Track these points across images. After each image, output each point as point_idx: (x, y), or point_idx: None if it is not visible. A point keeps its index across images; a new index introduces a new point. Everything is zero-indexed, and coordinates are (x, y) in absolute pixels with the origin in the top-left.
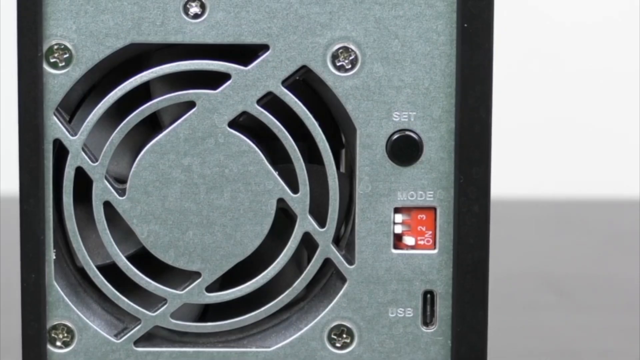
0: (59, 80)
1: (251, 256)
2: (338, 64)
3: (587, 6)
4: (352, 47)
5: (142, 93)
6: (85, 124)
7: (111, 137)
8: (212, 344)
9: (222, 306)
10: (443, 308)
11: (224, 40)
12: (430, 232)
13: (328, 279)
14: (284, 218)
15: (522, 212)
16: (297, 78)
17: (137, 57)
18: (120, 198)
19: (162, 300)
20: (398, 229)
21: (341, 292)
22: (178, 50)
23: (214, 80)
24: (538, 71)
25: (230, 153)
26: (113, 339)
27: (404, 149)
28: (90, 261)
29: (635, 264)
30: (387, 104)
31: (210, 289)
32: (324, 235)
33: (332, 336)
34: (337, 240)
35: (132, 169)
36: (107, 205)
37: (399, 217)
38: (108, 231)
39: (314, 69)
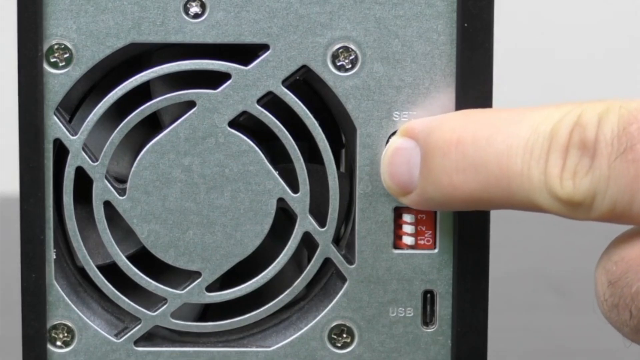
0: (59, 80)
1: (251, 256)
2: (338, 64)
3: (588, 6)
4: (353, 46)
5: (142, 93)
6: (85, 123)
7: (111, 137)
8: (212, 344)
9: (223, 306)
10: (443, 308)
11: (224, 40)
12: (430, 232)
13: (328, 279)
14: (284, 218)
15: (522, 212)
16: (297, 78)
17: (137, 57)
18: (121, 198)
19: (162, 300)
20: (408, 229)
21: (341, 292)
22: (178, 50)
23: (214, 80)
24: (538, 71)
25: (231, 153)
26: (113, 339)
27: None
28: (90, 261)
29: None
30: (387, 104)
31: (210, 288)
32: (324, 235)
33: (333, 336)
34: (337, 240)
35: (133, 169)
36: (107, 205)
37: (408, 217)
38: (108, 231)
39: (314, 68)
